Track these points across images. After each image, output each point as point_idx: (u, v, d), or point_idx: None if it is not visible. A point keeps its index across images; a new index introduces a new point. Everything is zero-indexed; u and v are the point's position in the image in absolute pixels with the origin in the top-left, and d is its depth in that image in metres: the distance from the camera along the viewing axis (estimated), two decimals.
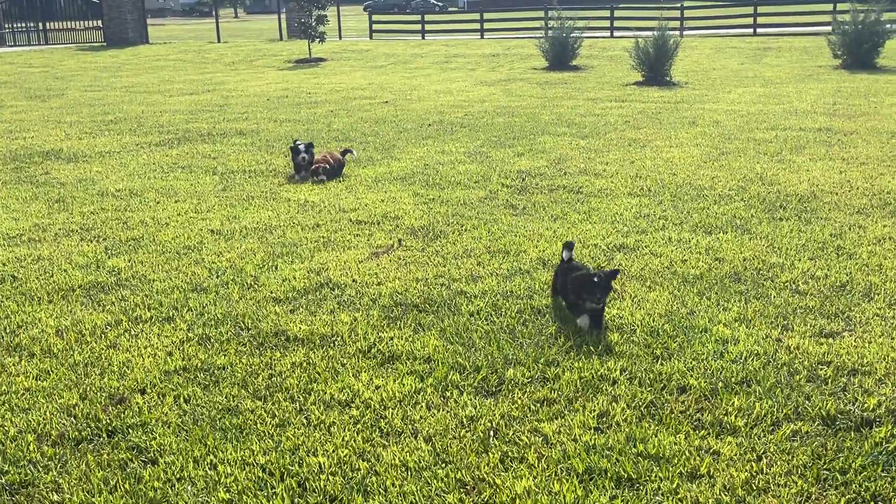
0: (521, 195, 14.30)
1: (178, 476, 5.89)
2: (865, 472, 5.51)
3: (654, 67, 32.64)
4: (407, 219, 12.79)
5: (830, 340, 7.91)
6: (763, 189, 14.37)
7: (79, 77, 39.22)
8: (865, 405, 6.49)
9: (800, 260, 10.36)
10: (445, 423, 6.59)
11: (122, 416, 6.85)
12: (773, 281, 9.60)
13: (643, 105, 26.49)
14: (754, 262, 10.28)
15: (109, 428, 6.68)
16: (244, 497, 5.56)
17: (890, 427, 6.12)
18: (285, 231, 12.28)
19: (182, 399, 7.15)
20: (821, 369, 7.25)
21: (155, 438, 6.46)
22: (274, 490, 5.63)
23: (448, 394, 7.11)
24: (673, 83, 32.25)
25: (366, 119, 24.12)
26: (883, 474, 5.52)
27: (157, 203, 14.18)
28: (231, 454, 6.15)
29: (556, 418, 6.64)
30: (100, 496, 5.71)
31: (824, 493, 5.34)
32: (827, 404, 6.53)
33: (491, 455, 6.05)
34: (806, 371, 7.21)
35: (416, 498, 5.46)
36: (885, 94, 27.63)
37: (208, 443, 6.34)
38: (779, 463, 5.72)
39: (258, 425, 6.62)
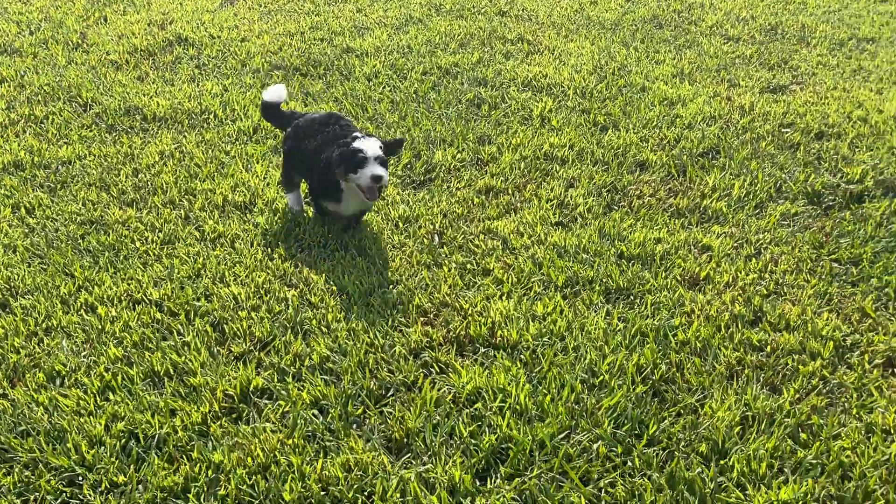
0: None
1: (44, 327, 4.39)
2: (881, 263, 4.80)
3: None
4: None
5: (784, 97, 7.03)
6: None
7: None
8: (849, 176, 5.73)
9: None
10: (375, 225, 5.31)
11: None
12: (697, 25, 8.52)
13: None
14: (672, 3, 9.10)
15: None
16: (143, 352, 4.18)
17: (883, 202, 5.40)
18: None
19: (24, 210, 5.44)
20: (786, 133, 6.40)
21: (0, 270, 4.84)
22: (183, 338, 4.28)
23: None
24: None
25: None
26: None
27: None
28: (111, 288, 4.68)
29: (509, 213, 5.50)
30: None
31: (845, 293, 4.59)
32: (808, 178, 5.72)
33: (446, 269, 4.89)
34: (771, 137, 6.34)
35: (372, 335, 4.29)
36: None
37: (76, 273, 4.81)
38: (783, 259, 4.91)
39: (137, 243, 5.10)
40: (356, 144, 4.81)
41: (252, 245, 5.09)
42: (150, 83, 7.23)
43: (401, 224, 5.36)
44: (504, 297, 4.64)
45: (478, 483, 3.45)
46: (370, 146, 4.80)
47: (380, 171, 4.76)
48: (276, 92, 5.61)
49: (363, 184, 4.79)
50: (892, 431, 3.63)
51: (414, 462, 3.56)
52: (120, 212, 5.40)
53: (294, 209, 5.44)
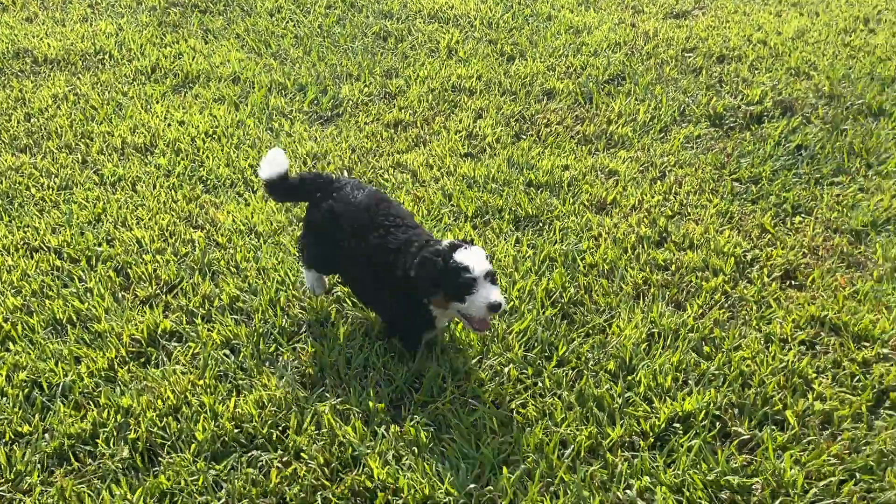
0: None
1: None
2: (779, 181, 4.93)
3: None
4: None
5: (687, 22, 7.11)
6: None
7: None
8: (749, 98, 5.84)
9: None
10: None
11: None
12: None
13: None
14: None
15: None
16: (44, 300, 4.06)
17: (782, 121, 5.53)
18: None
19: None
20: (688, 58, 6.48)
21: None
22: (85, 285, 4.16)
23: (275, 125, 5.65)
24: None
25: None
26: (796, 179, 4.97)
27: None
28: (6, 237, 4.51)
29: (418, 146, 5.47)
30: None
31: (745, 210, 4.72)
32: (710, 101, 5.82)
33: None
34: (675, 62, 6.42)
35: (283, 273, 4.24)
36: None
37: None
38: (687, 180, 5.01)
39: (32, 190, 4.92)
40: (459, 258, 3.35)
41: (154, 187, 4.95)
42: (40, 24, 6.90)
43: (309, 161, 5.28)
44: None
45: (392, 411, 3.47)
46: (477, 260, 3.36)
47: (497, 295, 3.34)
48: (275, 163, 3.95)
49: (475, 314, 3.39)
50: (789, 340, 3.77)
51: (328, 395, 3.56)
52: (12, 158, 5.19)
53: (315, 291, 4.04)
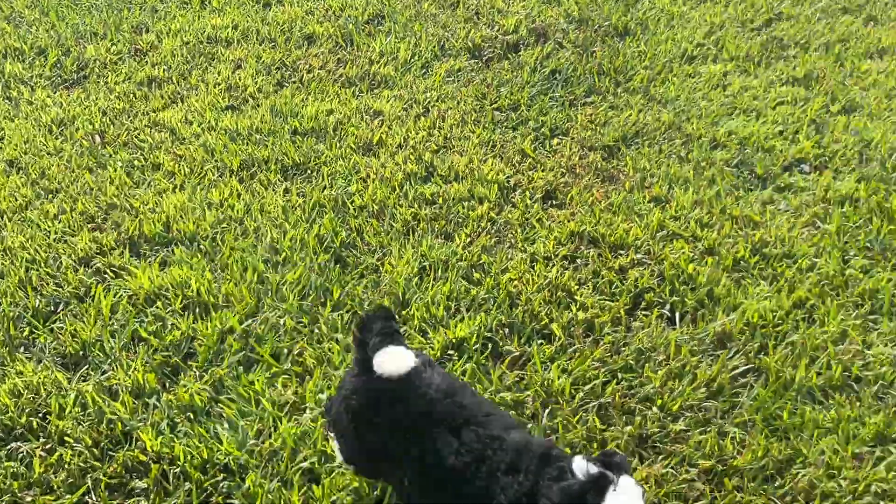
0: None
1: None
2: (537, 105, 5.08)
3: None
4: None
5: None
6: None
7: None
8: (505, 27, 5.96)
9: None
10: (24, 133, 4.84)
11: None
12: None
13: None
14: None
15: None
16: None
17: (536, 48, 5.68)
18: None
19: None
20: None
21: None
22: None
23: (14, 93, 5.23)
24: None
25: None
26: (552, 103, 5.14)
27: None
28: None
29: (175, 102, 5.22)
30: None
31: (507, 138, 4.83)
32: (469, 33, 5.89)
33: (112, 169, 4.58)
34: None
35: (32, 250, 3.95)
36: None
37: None
38: (450, 114, 5.06)
39: None
40: None
41: None
42: None
43: (55, 128, 4.92)
44: (177, 190, 4.44)
45: (168, 382, 3.34)
46: None
47: None
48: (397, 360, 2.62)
49: None
50: (553, 257, 3.93)
51: (93, 373, 3.37)
52: None
53: None
